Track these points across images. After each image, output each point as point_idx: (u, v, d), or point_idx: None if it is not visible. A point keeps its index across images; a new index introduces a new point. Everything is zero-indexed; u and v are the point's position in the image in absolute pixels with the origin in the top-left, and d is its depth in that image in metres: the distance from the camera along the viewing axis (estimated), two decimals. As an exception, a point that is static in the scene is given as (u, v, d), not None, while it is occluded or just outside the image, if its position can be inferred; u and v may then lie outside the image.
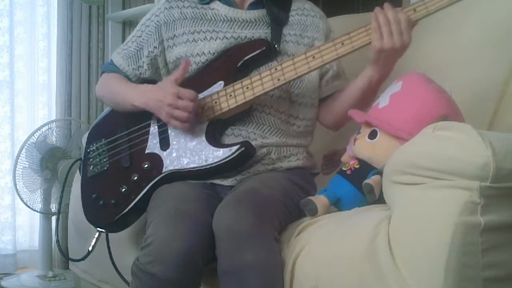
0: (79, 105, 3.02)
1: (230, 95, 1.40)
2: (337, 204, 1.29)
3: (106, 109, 1.65)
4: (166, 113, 1.38)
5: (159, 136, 1.46)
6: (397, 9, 1.30)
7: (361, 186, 1.23)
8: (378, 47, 1.29)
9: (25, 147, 2.60)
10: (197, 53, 1.48)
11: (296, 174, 1.44)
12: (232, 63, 1.45)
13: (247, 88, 1.39)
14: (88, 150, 1.58)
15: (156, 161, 1.44)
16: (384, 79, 1.39)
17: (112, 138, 1.53)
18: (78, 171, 1.67)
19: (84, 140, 1.66)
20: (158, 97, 1.38)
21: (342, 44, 1.33)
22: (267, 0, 1.52)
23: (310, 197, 1.29)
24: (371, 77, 1.40)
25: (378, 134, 1.27)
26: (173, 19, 1.52)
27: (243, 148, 1.37)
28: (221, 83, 1.43)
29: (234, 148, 1.37)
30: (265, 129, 1.45)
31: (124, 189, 1.44)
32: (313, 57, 1.35)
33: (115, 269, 1.61)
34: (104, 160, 1.52)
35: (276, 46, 1.46)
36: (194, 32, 1.49)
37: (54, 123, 2.71)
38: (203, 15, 1.52)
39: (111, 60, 1.60)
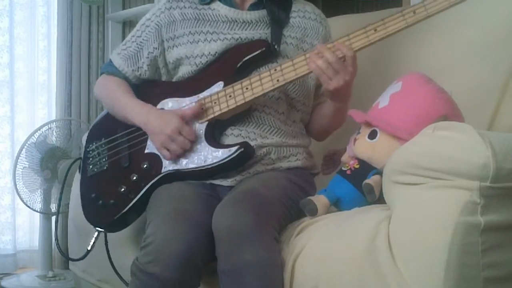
0: (79, 105, 3.02)
1: (230, 96, 1.40)
2: (337, 204, 1.29)
3: (106, 109, 1.65)
4: (161, 142, 1.40)
5: (158, 136, 1.46)
6: (330, 43, 1.32)
7: (361, 186, 1.23)
8: (331, 88, 1.33)
9: (25, 147, 2.59)
10: (197, 54, 1.47)
11: (296, 174, 1.44)
12: (232, 64, 1.45)
13: (247, 88, 1.39)
14: (88, 150, 1.58)
15: (155, 161, 1.44)
16: (348, 104, 1.43)
17: (111, 138, 1.53)
18: (78, 170, 1.67)
19: (84, 139, 1.66)
20: (160, 124, 1.40)
21: None
22: (268, 0, 1.52)
23: (310, 197, 1.29)
24: (335, 108, 1.46)
25: (378, 134, 1.27)
26: (173, 19, 1.52)
27: (242, 149, 1.36)
28: (221, 83, 1.43)
29: (234, 148, 1.36)
30: (264, 129, 1.45)
31: (123, 189, 1.44)
32: None
33: (113, 269, 1.61)
34: (104, 160, 1.52)
35: (276, 46, 1.46)
36: (194, 33, 1.49)
37: (54, 123, 2.71)
38: (204, 15, 1.51)
39: (110, 61, 1.60)
